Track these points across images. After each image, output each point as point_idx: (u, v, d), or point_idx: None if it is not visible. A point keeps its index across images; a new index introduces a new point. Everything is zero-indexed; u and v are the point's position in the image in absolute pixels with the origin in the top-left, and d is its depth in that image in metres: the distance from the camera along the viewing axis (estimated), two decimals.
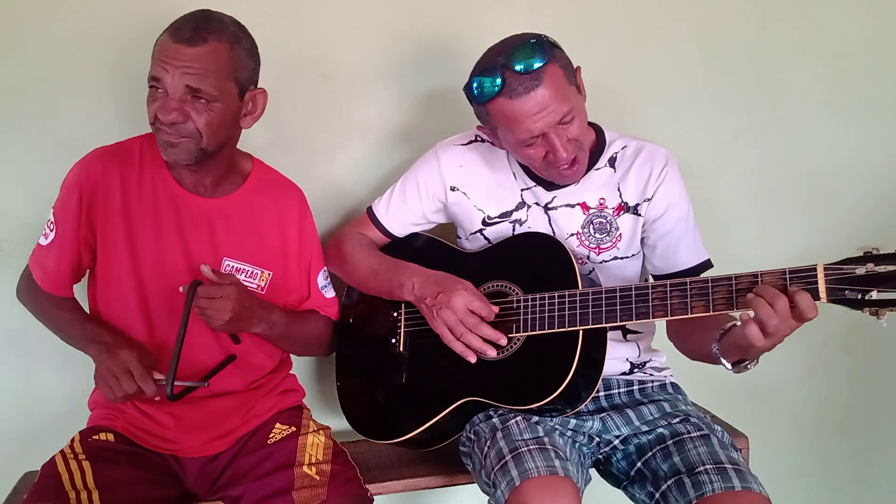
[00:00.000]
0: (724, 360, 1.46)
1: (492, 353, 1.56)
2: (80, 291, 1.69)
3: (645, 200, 1.64)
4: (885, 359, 2.39)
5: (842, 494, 2.49)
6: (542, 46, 1.48)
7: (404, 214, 1.79)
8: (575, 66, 1.56)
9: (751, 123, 2.21)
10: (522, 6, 2.00)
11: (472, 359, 1.57)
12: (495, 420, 1.59)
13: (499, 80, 1.48)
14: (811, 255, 2.22)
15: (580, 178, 1.64)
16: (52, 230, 1.58)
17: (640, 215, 1.65)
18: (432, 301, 1.59)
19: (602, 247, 1.67)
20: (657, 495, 1.52)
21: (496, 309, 1.57)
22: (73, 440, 1.58)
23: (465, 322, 1.55)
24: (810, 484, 2.44)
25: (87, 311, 1.68)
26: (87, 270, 1.65)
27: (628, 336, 1.74)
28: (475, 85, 1.53)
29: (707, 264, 1.69)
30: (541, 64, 1.47)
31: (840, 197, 2.29)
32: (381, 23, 1.97)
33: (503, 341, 1.55)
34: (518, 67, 1.47)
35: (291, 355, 1.84)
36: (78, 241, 1.58)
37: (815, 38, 2.20)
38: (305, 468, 1.56)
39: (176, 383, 1.47)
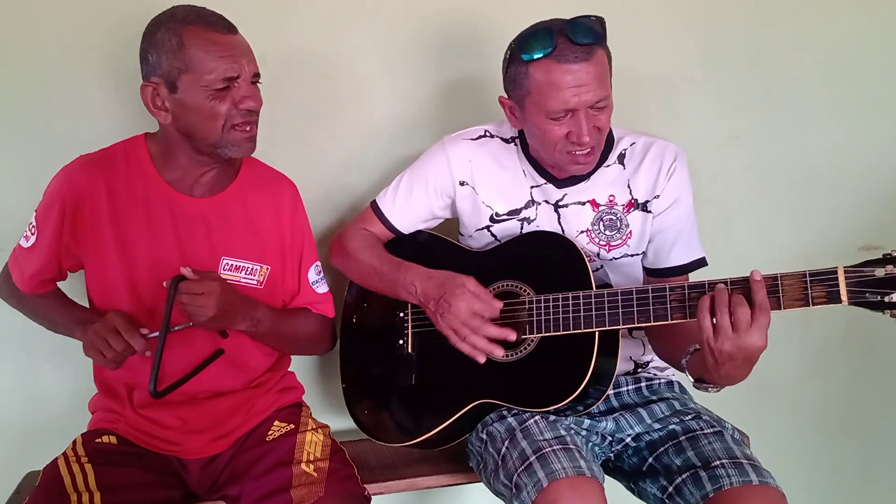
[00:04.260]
0: (688, 372, 1.48)
1: (499, 352, 1.53)
2: (79, 292, 1.67)
3: (654, 197, 1.64)
4: (885, 357, 2.41)
5: (843, 493, 2.51)
6: (601, 28, 1.49)
7: (411, 211, 1.76)
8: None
9: (750, 123, 2.22)
10: (523, 3, 1.97)
11: (482, 359, 1.55)
12: (511, 420, 1.57)
13: (552, 42, 1.47)
14: (812, 253, 2.27)
15: (590, 170, 1.61)
16: (33, 234, 1.56)
17: (649, 212, 1.65)
18: (435, 305, 1.56)
19: (612, 244, 1.66)
20: (671, 489, 1.52)
21: (500, 304, 1.54)
22: (74, 442, 1.57)
23: (469, 325, 1.53)
24: (811, 482, 2.45)
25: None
26: (78, 272, 1.63)
27: (634, 332, 1.73)
28: (525, 40, 1.51)
29: (700, 263, 1.69)
30: (595, 42, 1.47)
31: (840, 195, 2.30)
32: (381, 21, 1.95)
33: (512, 337, 1.52)
34: (574, 38, 1.46)
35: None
36: (58, 250, 1.55)
37: (815, 38, 2.21)
38: (303, 465, 1.55)
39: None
